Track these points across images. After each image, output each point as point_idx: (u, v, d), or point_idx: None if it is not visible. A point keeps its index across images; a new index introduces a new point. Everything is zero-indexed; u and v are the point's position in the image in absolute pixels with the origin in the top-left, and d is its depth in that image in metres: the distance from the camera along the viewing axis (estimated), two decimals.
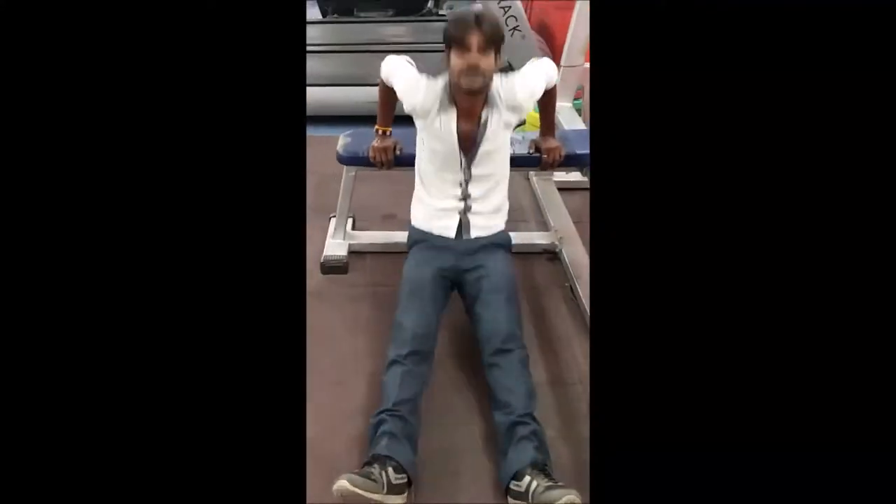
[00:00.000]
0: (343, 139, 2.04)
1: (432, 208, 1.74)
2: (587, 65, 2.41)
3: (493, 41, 1.54)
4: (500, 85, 1.65)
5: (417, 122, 1.72)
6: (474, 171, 1.68)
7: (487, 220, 1.73)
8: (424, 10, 4.32)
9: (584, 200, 2.48)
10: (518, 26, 2.48)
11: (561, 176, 2.49)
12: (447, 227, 1.71)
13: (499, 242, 1.74)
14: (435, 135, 1.67)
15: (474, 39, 1.51)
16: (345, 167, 2.06)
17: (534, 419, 1.43)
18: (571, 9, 2.30)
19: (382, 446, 1.36)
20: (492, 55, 1.55)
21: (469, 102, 1.62)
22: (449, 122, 1.64)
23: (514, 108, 1.67)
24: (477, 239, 1.71)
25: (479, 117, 1.65)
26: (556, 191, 2.45)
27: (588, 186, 2.48)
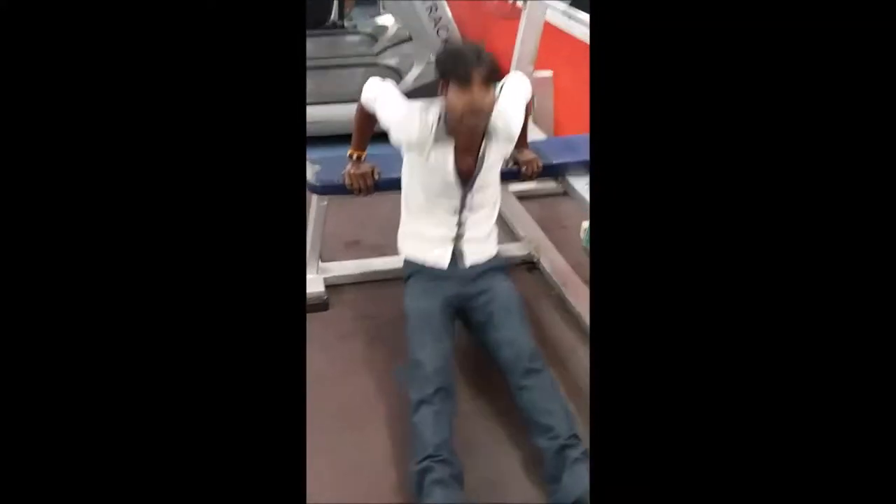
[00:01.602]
0: (312, 167, 1.91)
1: (423, 238, 1.68)
2: (537, 74, 2.43)
3: (494, 76, 1.48)
4: (498, 116, 1.58)
5: (407, 154, 1.63)
6: (469, 201, 1.64)
7: (481, 246, 1.69)
8: (328, 24, 4.20)
9: (542, 208, 2.51)
10: (441, 20, 2.70)
11: (516, 185, 2.49)
12: (440, 257, 1.65)
13: (497, 266, 1.70)
14: (429, 168, 1.59)
15: (476, 76, 1.43)
16: (315, 196, 1.92)
17: (579, 440, 1.40)
18: (518, 18, 2.31)
19: (438, 496, 1.30)
20: (492, 91, 1.49)
21: (469, 139, 1.57)
22: (445, 156, 1.58)
23: (509, 139, 1.65)
24: (473, 266, 1.66)
25: (479, 151, 1.60)
26: (517, 200, 2.45)
27: (545, 194, 2.52)
